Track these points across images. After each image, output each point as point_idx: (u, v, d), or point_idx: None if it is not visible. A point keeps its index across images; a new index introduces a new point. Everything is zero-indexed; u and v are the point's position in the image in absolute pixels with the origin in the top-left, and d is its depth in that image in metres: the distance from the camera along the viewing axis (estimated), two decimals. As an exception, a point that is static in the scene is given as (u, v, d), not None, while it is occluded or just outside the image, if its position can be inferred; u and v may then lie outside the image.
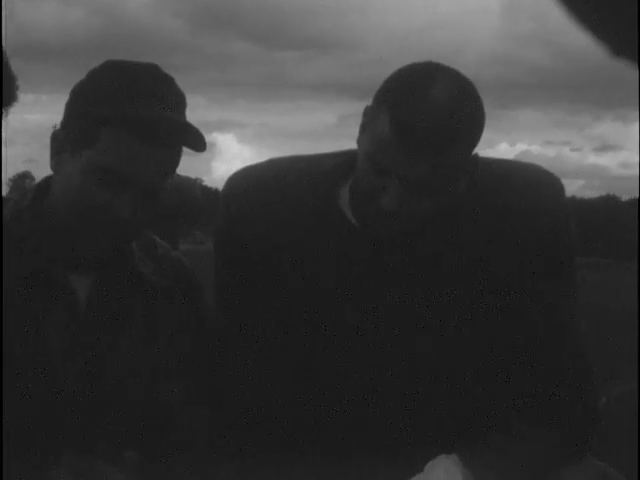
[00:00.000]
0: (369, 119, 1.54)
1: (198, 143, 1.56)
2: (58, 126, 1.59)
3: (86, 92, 1.55)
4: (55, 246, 1.58)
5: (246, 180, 1.70)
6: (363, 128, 1.56)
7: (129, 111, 1.50)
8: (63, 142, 1.56)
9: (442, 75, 1.51)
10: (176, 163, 1.59)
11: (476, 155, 1.58)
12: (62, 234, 1.57)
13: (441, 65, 1.54)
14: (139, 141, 1.51)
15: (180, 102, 1.58)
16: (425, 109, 1.46)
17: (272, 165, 1.73)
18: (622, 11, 0.57)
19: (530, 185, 1.64)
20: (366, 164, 1.54)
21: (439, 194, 1.53)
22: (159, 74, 1.57)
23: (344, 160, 1.67)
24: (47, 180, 1.63)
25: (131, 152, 1.51)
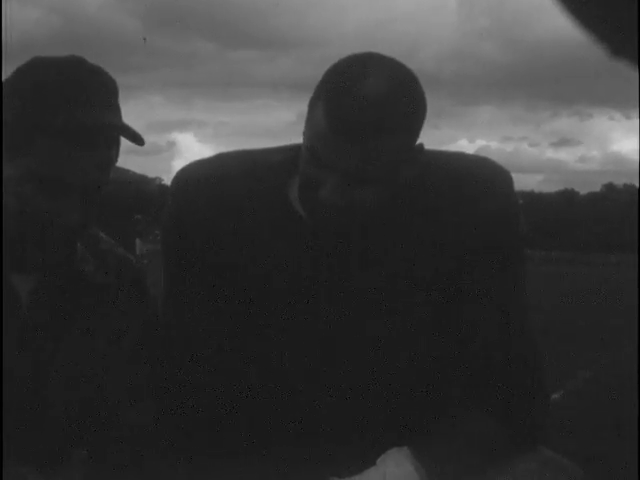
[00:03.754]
0: (310, 111, 1.54)
1: (135, 139, 1.56)
2: None
3: (17, 97, 1.53)
4: None
5: (194, 174, 1.69)
6: (307, 120, 1.56)
7: (60, 119, 1.49)
8: None
9: (378, 66, 1.50)
10: (115, 156, 1.58)
11: (420, 146, 1.58)
12: (5, 239, 1.55)
13: (379, 55, 1.53)
14: (74, 147, 1.50)
15: (111, 93, 1.56)
16: (357, 100, 1.45)
17: (220, 159, 1.72)
18: (622, 11, 0.56)
19: (476, 178, 1.64)
20: (307, 156, 1.54)
21: (378, 185, 1.53)
22: (86, 69, 1.55)
23: (293, 154, 1.66)
24: None
25: (68, 158, 1.50)
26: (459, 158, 1.70)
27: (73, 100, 1.50)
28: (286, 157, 1.67)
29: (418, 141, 1.56)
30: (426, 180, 1.62)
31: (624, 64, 0.59)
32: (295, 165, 1.64)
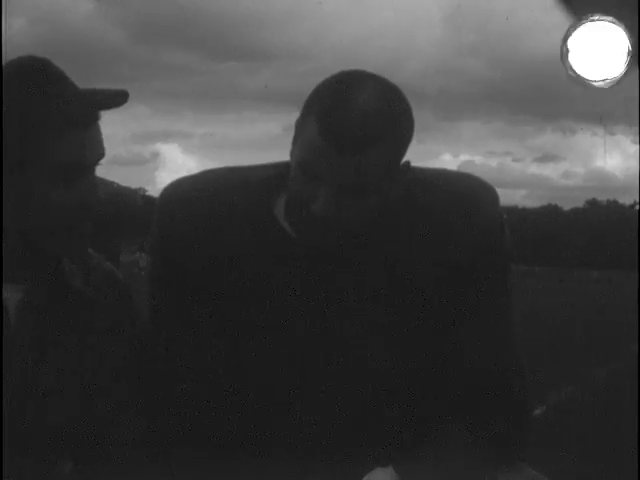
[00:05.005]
0: (299, 130, 1.56)
1: (119, 98, 1.56)
2: None
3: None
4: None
5: (180, 191, 1.69)
6: (295, 140, 1.58)
7: (56, 101, 1.50)
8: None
9: (367, 80, 1.55)
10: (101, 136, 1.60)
11: (407, 162, 1.60)
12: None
13: (367, 72, 1.57)
14: (76, 127, 1.52)
15: (64, 77, 1.57)
16: (351, 111, 1.49)
17: (207, 176, 1.72)
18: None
19: (462, 194, 1.65)
20: (297, 172, 1.56)
21: (369, 197, 1.55)
22: (38, 60, 1.55)
23: (279, 171, 1.67)
24: None
25: (77, 141, 1.52)
26: (444, 175, 1.71)
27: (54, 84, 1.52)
28: (272, 174, 1.68)
29: (404, 158, 1.59)
30: (412, 197, 1.63)
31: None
32: (281, 183, 1.64)
